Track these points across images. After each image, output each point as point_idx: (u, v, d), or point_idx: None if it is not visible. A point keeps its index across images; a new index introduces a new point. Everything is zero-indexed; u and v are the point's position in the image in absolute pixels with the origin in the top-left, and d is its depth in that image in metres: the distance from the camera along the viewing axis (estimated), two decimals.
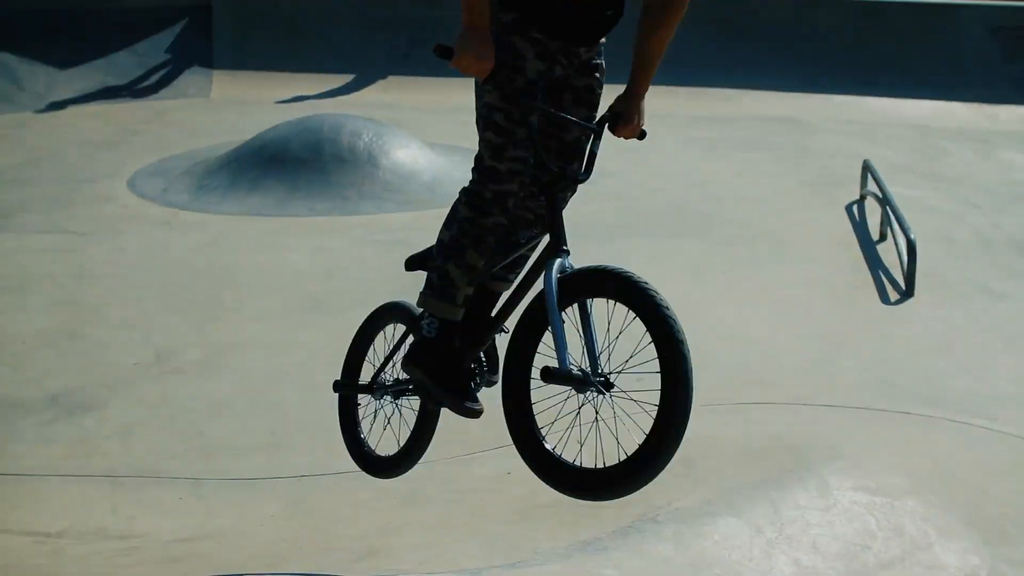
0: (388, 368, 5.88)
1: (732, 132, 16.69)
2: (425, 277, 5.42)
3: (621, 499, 4.87)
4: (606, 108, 5.36)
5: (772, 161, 15.05)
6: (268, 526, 6.86)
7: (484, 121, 5.13)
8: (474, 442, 7.64)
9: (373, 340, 6.06)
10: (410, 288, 6.30)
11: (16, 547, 6.48)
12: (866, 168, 12.81)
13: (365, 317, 6.14)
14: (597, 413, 4.78)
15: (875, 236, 11.94)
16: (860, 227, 12.30)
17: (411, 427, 5.75)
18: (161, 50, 20.47)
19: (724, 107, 18.26)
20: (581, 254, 10.67)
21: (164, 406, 8.23)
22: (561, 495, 4.92)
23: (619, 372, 4.76)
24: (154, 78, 19.89)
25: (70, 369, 8.75)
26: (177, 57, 20.37)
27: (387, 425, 5.85)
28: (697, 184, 13.78)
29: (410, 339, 5.61)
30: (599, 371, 4.76)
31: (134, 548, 6.46)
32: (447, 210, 11.39)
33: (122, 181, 13.94)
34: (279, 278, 10.58)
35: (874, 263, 11.29)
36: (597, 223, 12.02)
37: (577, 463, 4.82)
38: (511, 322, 5.16)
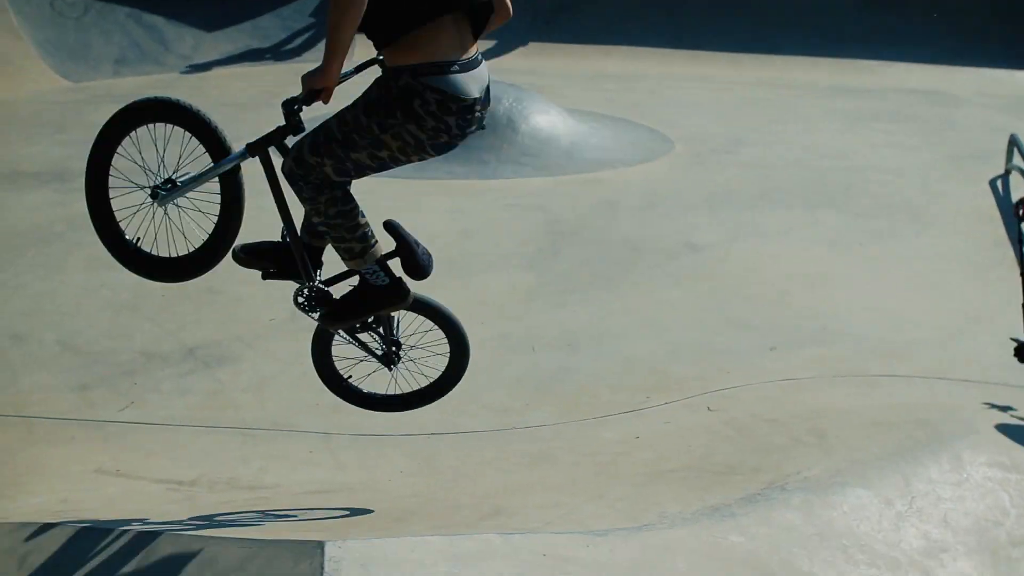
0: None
1: (875, 104, 16.46)
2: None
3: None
4: None
5: (915, 133, 14.81)
6: (396, 481, 6.92)
7: None
8: (601, 406, 7.64)
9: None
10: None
11: (151, 493, 6.60)
12: (1012, 142, 12.55)
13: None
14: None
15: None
16: (1004, 202, 12.06)
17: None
18: (305, 14, 20.67)
19: (867, 79, 18.01)
20: (719, 222, 10.67)
21: (297, 362, 8.29)
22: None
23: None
24: (298, 41, 20.10)
25: (207, 323, 8.89)
26: (321, 21, 20.52)
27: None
28: (837, 155, 13.61)
29: None
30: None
31: (264, 499, 6.55)
32: (585, 176, 11.41)
33: None
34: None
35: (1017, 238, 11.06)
36: (735, 192, 11.94)
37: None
38: None
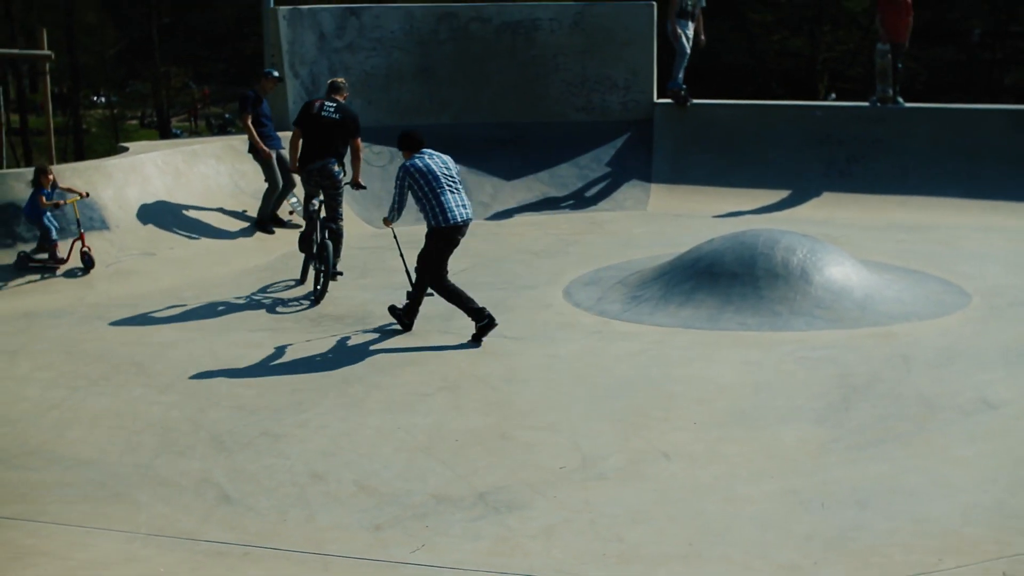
0: None
1: None
2: None
3: None
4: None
5: None
6: None
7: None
8: (893, 567, 7.46)
9: None
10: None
11: None
12: None
13: None
14: None
15: None
16: None
17: None
18: (602, 163, 21.07)
19: None
20: (1017, 379, 10.39)
21: (586, 510, 8.38)
22: None
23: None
24: (593, 190, 20.48)
25: (498, 468, 9.05)
26: (617, 170, 20.90)
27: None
28: None
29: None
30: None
31: None
32: (878, 329, 11.36)
33: (558, 289, 14.39)
34: (705, 390, 10.67)
35: None
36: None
37: None
38: None
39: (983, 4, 56.37)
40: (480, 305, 12.45)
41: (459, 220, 12.37)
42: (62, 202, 15.05)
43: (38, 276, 14.74)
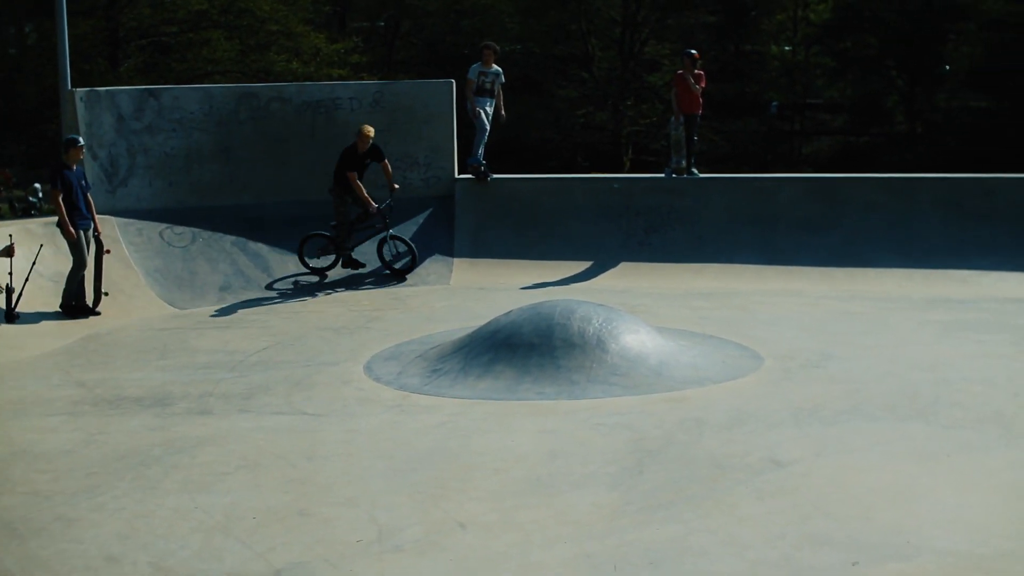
0: None
1: (968, 314, 16.56)
2: None
3: None
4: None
5: (1009, 343, 14.85)
6: None
7: None
8: None
9: None
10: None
11: None
12: None
13: None
14: None
15: None
16: None
17: None
18: (406, 237, 21.21)
19: (960, 289, 18.21)
20: (804, 437, 10.67)
21: None
22: None
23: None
24: (396, 265, 20.59)
25: (295, 545, 9.03)
26: (419, 246, 21.07)
27: None
28: (928, 367, 13.64)
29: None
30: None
31: None
32: (672, 394, 11.64)
33: (359, 365, 14.44)
34: (503, 460, 10.79)
35: None
36: (822, 406, 12.00)
37: None
38: None
39: (780, 78, 58.12)
40: None
41: None
42: None
43: None
